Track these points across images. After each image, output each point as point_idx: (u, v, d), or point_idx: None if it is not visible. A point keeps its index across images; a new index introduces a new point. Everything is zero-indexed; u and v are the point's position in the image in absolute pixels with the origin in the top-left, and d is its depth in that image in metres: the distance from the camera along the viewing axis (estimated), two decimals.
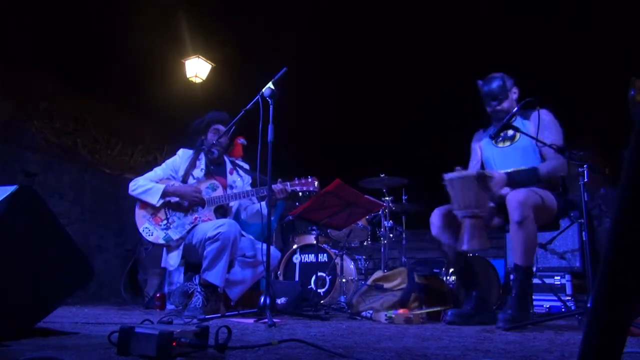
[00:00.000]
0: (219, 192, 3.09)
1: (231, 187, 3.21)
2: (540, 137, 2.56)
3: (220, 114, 3.31)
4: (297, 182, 2.99)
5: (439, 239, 2.73)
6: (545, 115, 2.71)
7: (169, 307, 3.55)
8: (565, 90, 6.49)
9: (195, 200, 3.01)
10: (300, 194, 3.01)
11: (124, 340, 1.20)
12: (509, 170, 2.60)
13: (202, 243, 2.84)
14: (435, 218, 2.74)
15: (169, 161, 3.26)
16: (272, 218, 3.00)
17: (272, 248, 2.69)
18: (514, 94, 2.83)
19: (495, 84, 2.79)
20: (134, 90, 6.56)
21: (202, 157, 3.25)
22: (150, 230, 2.96)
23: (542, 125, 2.63)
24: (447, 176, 2.56)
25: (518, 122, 2.75)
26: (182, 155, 3.26)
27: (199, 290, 2.77)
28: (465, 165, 2.98)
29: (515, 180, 2.55)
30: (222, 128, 3.23)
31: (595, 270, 2.38)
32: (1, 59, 5.26)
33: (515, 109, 2.68)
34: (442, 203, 2.75)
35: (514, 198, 2.41)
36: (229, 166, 3.31)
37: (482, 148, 2.95)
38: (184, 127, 3.35)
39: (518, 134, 2.72)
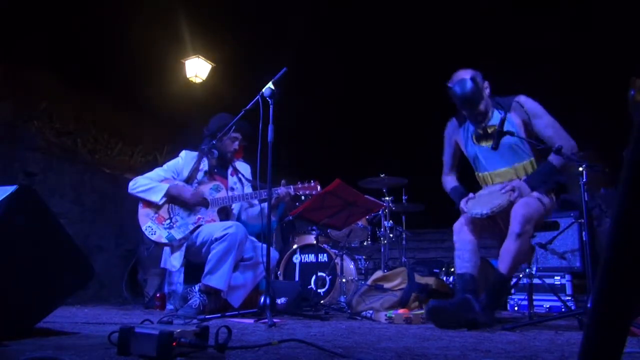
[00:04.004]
0: (223, 193, 3.10)
1: (232, 189, 3.22)
2: (535, 128, 2.52)
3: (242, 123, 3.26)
4: (300, 185, 3.06)
5: (462, 238, 2.62)
6: (529, 102, 2.56)
7: (169, 307, 3.55)
8: (565, 89, 6.50)
9: (197, 205, 3.03)
10: (302, 197, 3.08)
11: (124, 340, 1.20)
12: (526, 178, 2.54)
13: (207, 244, 2.83)
14: (460, 225, 2.65)
15: (170, 163, 3.23)
16: (273, 219, 3.01)
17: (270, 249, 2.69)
18: (486, 89, 2.63)
19: (468, 88, 2.54)
20: (134, 90, 6.56)
21: (204, 159, 3.24)
22: (153, 229, 2.95)
23: (532, 114, 2.53)
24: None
25: (496, 116, 2.60)
26: (185, 157, 3.23)
27: (197, 296, 2.76)
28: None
29: (536, 184, 2.51)
30: (239, 136, 3.23)
31: (595, 270, 2.38)
32: (2, 59, 5.26)
33: (495, 110, 2.61)
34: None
35: (520, 211, 2.39)
36: (230, 169, 3.32)
37: (463, 145, 2.81)
38: (184, 127, 3.35)
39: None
